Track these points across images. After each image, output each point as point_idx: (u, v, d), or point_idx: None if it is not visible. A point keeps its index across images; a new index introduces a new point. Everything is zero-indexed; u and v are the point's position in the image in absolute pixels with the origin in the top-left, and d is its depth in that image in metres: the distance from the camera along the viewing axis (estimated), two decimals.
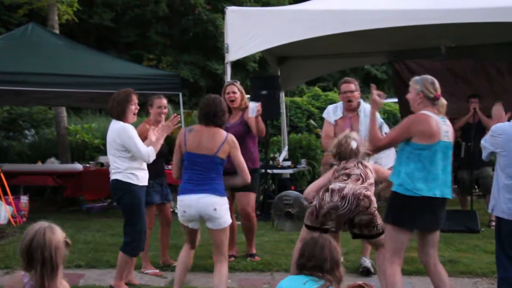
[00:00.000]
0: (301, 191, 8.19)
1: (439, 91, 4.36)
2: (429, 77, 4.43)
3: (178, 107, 10.34)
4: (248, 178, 4.86)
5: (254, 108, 6.01)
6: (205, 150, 4.67)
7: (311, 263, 3.22)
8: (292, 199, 7.74)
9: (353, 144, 4.78)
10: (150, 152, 5.13)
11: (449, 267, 5.64)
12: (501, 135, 4.47)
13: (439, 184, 4.26)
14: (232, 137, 4.77)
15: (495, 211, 4.50)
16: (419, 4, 7.45)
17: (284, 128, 11.10)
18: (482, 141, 4.69)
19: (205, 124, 4.76)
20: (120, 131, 5.12)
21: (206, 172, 4.68)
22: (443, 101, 4.34)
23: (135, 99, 5.26)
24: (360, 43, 9.42)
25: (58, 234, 2.74)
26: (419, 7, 7.38)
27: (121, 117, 5.19)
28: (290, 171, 9.52)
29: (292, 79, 11.37)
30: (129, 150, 5.11)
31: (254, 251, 6.35)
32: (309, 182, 9.73)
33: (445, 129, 4.32)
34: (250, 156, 6.14)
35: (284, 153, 10.33)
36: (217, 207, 4.62)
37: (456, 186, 8.61)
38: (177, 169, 4.82)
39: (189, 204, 4.67)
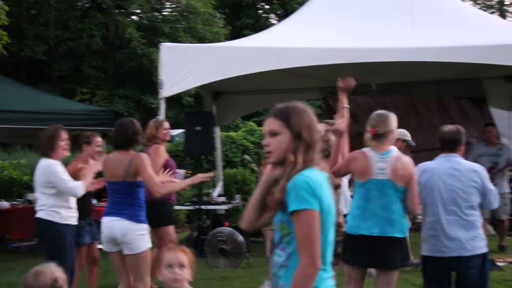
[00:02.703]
0: (235, 227, 8.17)
1: (374, 127, 4.44)
2: (377, 112, 4.54)
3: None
4: (159, 189, 4.86)
5: (182, 175, 6.74)
6: (116, 177, 4.77)
7: None
8: (226, 236, 7.69)
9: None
10: (79, 186, 5.04)
11: None
12: (424, 172, 4.57)
13: (378, 221, 4.30)
14: (140, 156, 4.80)
15: (422, 249, 4.59)
16: (350, 43, 7.64)
17: (219, 163, 11.07)
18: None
19: (116, 149, 4.85)
20: (46, 168, 5.09)
21: (123, 198, 4.76)
22: (366, 136, 4.45)
23: (63, 135, 5.20)
24: (294, 79, 9.56)
25: (41, 281, 2.67)
26: (350, 46, 7.56)
27: (50, 153, 5.13)
28: (225, 207, 9.47)
29: (228, 114, 11.39)
30: (55, 187, 5.03)
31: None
32: None
33: (381, 166, 4.35)
34: None
35: (219, 189, 10.29)
36: (128, 232, 4.68)
37: None
38: None
39: (105, 225, 4.78)
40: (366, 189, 4.40)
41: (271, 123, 2.62)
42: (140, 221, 4.75)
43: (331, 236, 2.60)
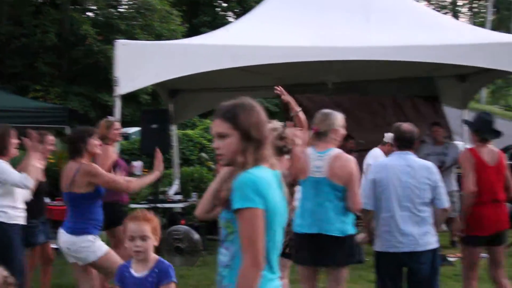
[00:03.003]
0: (191, 225, 8.15)
1: (316, 125, 4.49)
2: (322, 110, 4.59)
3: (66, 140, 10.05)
4: (130, 186, 4.91)
5: (139, 167, 6.72)
6: (63, 188, 4.71)
7: None
8: (182, 234, 7.67)
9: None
10: (25, 177, 4.94)
11: None
12: (381, 169, 4.64)
13: (316, 220, 4.34)
14: (87, 166, 4.69)
15: (375, 246, 4.66)
16: (307, 42, 7.68)
17: (176, 161, 11.02)
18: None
19: (71, 160, 4.79)
20: None
21: (69, 210, 4.72)
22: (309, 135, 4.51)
23: (14, 133, 5.12)
24: (251, 78, 9.58)
25: None
26: (307, 44, 7.61)
27: (3, 152, 5.03)
28: (181, 205, 9.42)
29: (185, 112, 11.34)
30: (2, 185, 4.94)
31: None
32: None
33: (317, 165, 4.37)
34: None
35: (175, 187, 10.24)
36: (70, 246, 4.62)
37: None
38: None
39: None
40: (305, 187, 4.44)
41: (218, 125, 2.55)
42: (81, 233, 4.64)
43: (279, 236, 2.55)
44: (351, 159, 4.50)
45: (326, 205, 4.37)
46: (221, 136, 2.54)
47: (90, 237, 4.68)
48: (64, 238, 4.66)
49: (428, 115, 10.35)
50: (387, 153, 7.43)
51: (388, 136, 7.66)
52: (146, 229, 3.19)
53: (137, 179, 5.15)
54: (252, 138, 2.51)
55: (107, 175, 4.78)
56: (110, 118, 6.71)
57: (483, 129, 5.22)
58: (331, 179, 4.38)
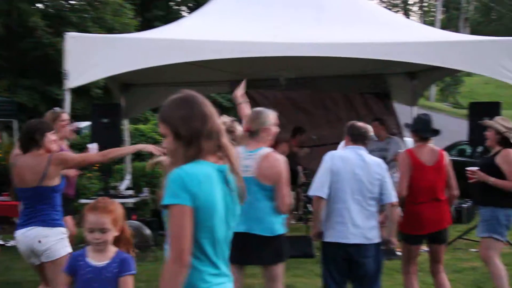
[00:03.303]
0: (143, 221, 8.08)
1: (248, 124, 4.50)
2: (254, 109, 4.60)
3: (13, 133, 9.82)
4: (104, 156, 4.91)
5: (95, 149, 6.49)
6: (29, 183, 4.49)
7: None
8: (133, 229, 7.58)
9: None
10: None
11: None
12: (338, 160, 4.69)
13: (245, 219, 4.30)
14: (57, 155, 4.59)
15: (325, 236, 4.71)
16: (259, 37, 7.69)
17: (127, 156, 10.89)
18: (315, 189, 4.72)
19: (24, 153, 4.57)
20: None
21: (34, 205, 4.50)
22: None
23: None
24: (203, 73, 9.53)
25: None
26: (259, 40, 7.62)
27: None
28: (133, 200, 9.33)
29: (137, 107, 11.23)
30: None
31: None
32: (153, 211, 9.58)
33: (246, 164, 4.34)
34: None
35: (127, 182, 10.13)
36: (42, 239, 4.42)
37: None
38: None
39: (19, 239, 4.47)
40: None
41: (160, 126, 2.59)
42: (55, 225, 4.52)
43: (221, 232, 2.55)
44: (280, 159, 4.45)
45: (255, 205, 4.34)
46: (164, 136, 2.57)
47: (63, 230, 4.58)
48: (36, 231, 4.44)
49: (379, 112, 10.52)
50: None
51: None
52: (105, 221, 3.12)
53: (111, 150, 5.07)
54: (181, 136, 2.51)
55: (76, 155, 4.75)
56: (56, 109, 6.57)
57: (422, 129, 5.35)
58: (258, 179, 4.36)
